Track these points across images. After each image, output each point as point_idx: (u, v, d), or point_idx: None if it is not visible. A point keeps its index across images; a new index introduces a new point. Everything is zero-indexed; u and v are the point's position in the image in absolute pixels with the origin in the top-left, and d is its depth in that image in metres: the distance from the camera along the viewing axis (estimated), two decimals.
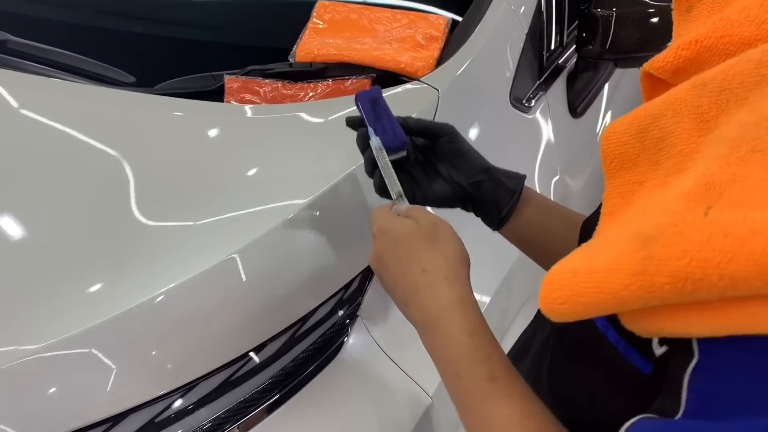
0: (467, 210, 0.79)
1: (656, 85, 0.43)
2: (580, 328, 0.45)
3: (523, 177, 0.77)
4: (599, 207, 0.44)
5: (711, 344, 0.33)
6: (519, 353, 0.66)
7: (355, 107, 0.79)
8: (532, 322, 0.68)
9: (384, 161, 0.73)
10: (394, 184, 0.73)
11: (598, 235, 0.42)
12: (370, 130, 0.74)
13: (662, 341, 0.38)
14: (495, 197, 0.75)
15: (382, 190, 0.75)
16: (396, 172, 0.74)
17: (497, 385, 0.51)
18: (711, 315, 0.32)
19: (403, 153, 0.76)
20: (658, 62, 0.42)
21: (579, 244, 0.61)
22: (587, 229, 0.59)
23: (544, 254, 0.78)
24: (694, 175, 0.34)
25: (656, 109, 0.39)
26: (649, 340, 0.39)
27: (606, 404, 0.45)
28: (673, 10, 0.44)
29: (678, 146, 0.37)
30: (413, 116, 0.79)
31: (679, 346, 0.36)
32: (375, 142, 0.74)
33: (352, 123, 0.80)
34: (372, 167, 0.76)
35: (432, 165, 0.78)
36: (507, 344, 1.20)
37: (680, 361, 0.35)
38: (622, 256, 0.34)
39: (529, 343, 0.63)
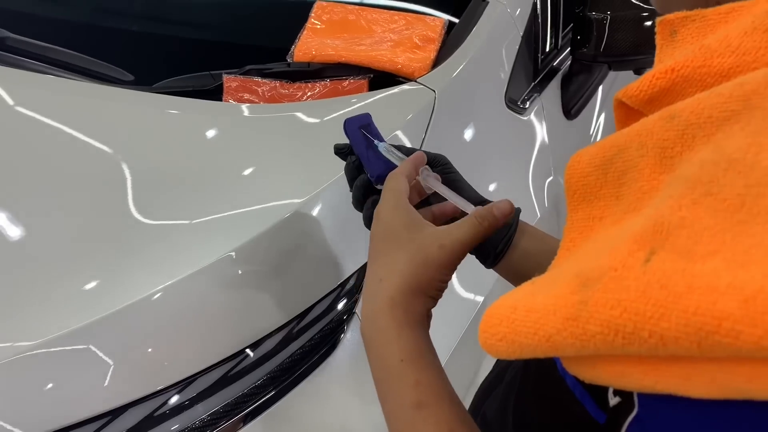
0: None
1: (630, 115, 0.40)
2: (542, 366, 0.44)
3: (518, 210, 0.71)
4: None
5: (649, 399, 0.31)
6: (494, 381, 0.62)
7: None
8: None
9: (398, 156, 0.68)
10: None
11: (550, 270, 0.39)
12: (378, 143, 0.70)
13: (616, 391, 0.35)
14: None
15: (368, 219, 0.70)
16: None
17: (423, 413, 0.49)
18: (644, 371, 0.30)
19: None
20: (631, 90, 0.38)
21: None
22: None
23: None
24: (645, 214, 0.32)
25: (622, 140, 0.36)
26: (605, 389, 0.36)
27: None
28: (657, 34, 0.40)
29: (639, 182, 0.35)
30: (407, 144, 0.76)
31: (626, 397, 0.33)
32: (383, 146, 0.69)
33: (341, 151, 0.74)
34: (362, 198, 0.71)
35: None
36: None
37: (624, 411, 0.33)
38: (560, 298, 0.32)
39: (503, 373, 0.59)
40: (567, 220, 0.40)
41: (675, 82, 0.36)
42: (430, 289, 0.56)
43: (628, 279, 0.29)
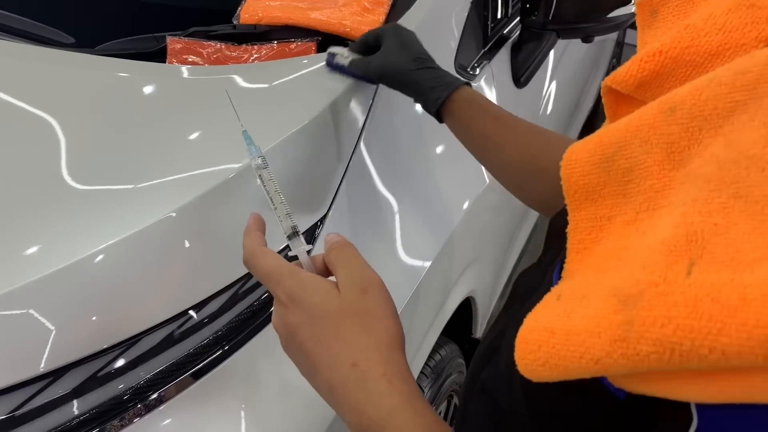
0: (407, 93, 0.92)
1: (619, 100, 0.40)
2: None
3: (467, 82, 0.91)
4: (565, 207, 0.39)
5: (710, 410, 0.30)
6: (487, 351, 0.57)
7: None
8: (500, 315, 0.59)
9: (268, 179, 0.68)
10: (285, 216, 0.64)
11: (568, 278, 0.38)
12: (252, 147, 0.72)
13: None
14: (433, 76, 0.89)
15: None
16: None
17: None
18: (704, 383, 0.29)
19: None
20: (620, 76, 0.37)
21: (547, 244, 0.56)
22: (555, 230, 0.54)
23: (478, 154, 0.91)
24: (671, 221, 0.30)
25: (621, 136, 0.35)
26: None
27: (577, 423, 0.41)
28: (637, 16, 0.40)
29: (648, 180, 0.34)
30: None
31: (672, 404, 0.32)
32: (256, 160, 0.70)
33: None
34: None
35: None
36: (449, 308, 1.23)
37: (678, 424, 0.32)
38: (601, 319, 0.31)
39: (498, 342, 0.55)
40: (570, 219, 0.38)
41: (664, 64, 0.36)
42: (398, 331, 0.55)
43: (673, 294, 0.28)
